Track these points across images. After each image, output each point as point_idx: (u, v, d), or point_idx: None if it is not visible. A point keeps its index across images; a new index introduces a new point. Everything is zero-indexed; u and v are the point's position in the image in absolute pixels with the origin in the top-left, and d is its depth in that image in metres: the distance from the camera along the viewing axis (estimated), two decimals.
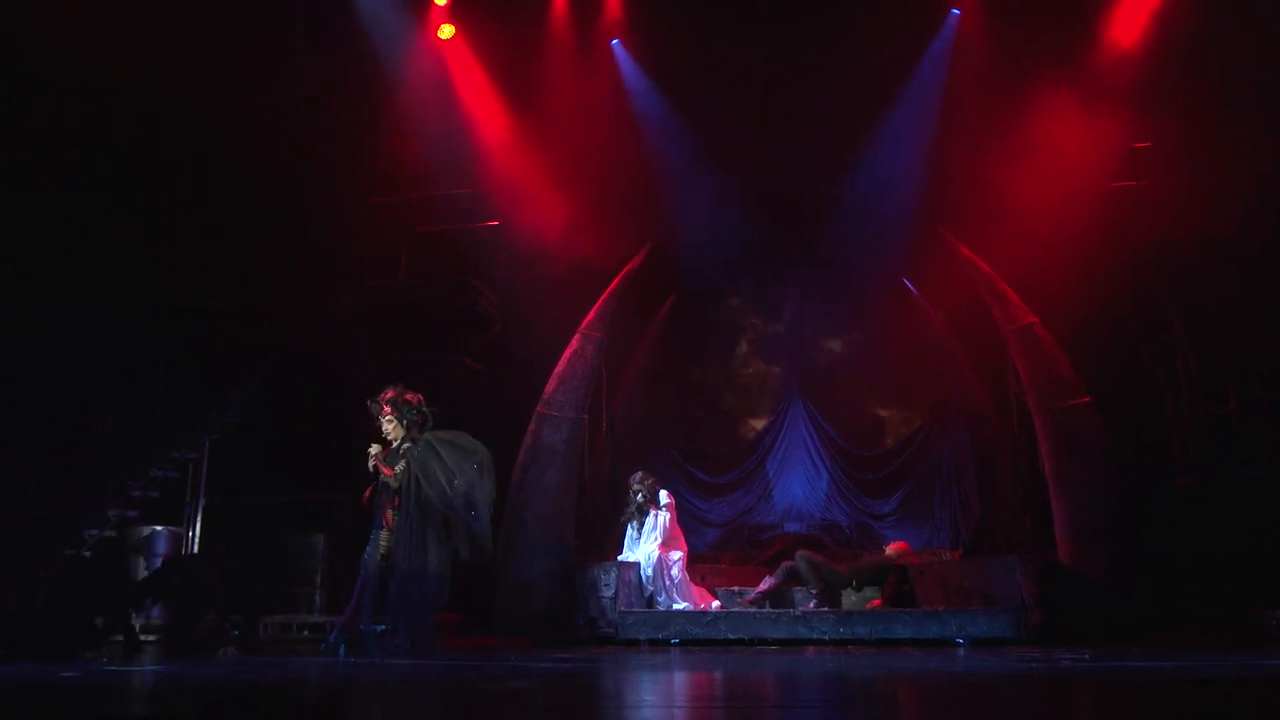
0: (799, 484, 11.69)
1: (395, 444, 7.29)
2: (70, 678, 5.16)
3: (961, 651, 7.08)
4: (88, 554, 9.18)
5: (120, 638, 8.29)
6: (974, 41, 10.83)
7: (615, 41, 11.89)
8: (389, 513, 7.09)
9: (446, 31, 11.68)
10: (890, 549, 9.41)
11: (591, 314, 10.42)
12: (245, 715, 3.87)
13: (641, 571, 8.87)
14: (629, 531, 9.17)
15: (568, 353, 10.26)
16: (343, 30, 10.92)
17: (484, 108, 11.73)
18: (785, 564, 9.11)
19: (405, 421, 7.32)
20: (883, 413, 11.97)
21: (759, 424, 12.24)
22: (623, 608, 8.36)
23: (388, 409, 7.33)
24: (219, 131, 10.04)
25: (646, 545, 8.96)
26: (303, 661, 6.21)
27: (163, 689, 4.77)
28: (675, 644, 7.97)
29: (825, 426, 11.86)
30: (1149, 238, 9.66)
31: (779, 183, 11.36)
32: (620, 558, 9.02)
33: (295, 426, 10.38)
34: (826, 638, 7.88)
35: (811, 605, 8.66)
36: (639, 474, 9.33)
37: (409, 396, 7.41)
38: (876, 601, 8.76)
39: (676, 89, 11.54)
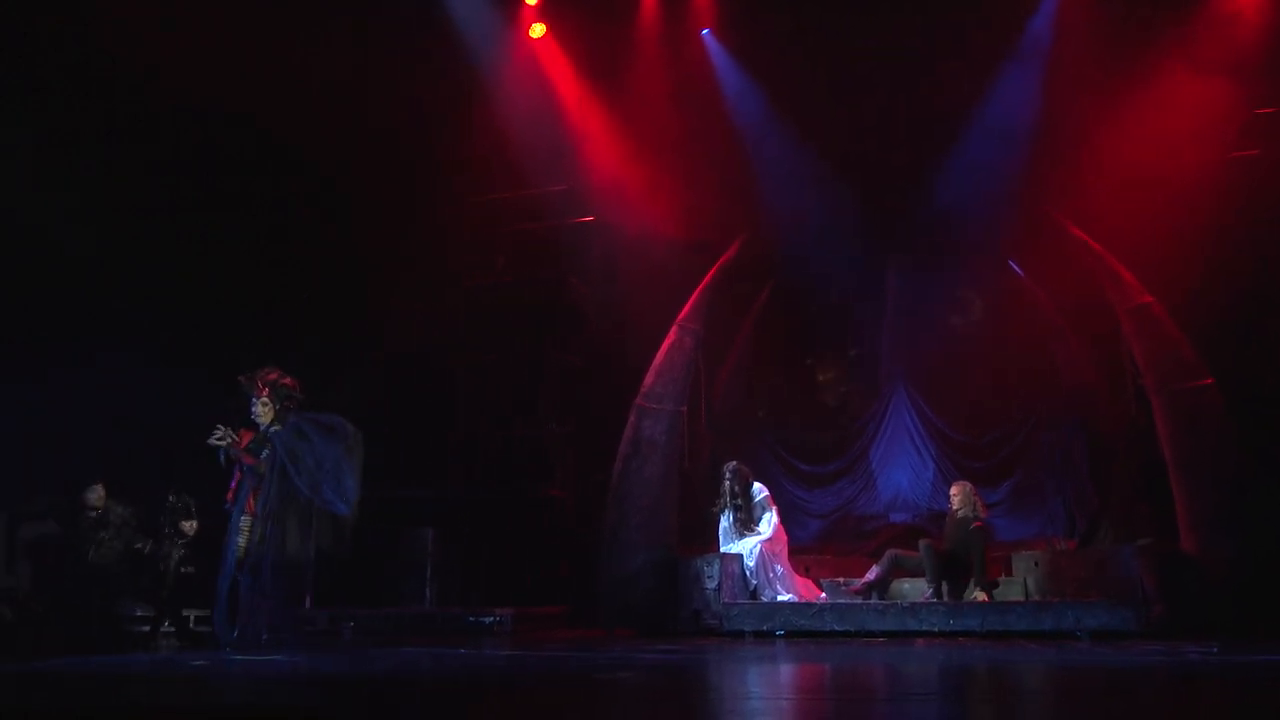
0: (904, 473, 11.41)
1: (263, 428, 6.97)
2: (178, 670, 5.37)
3: (1084, 644, 6.84)
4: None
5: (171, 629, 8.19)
6: (1081, 8, 10.37)
7: (706, 31, 11.80)
8: (253, 498, 6.82)
9: (538, 30, 11.77)
10: (953, 489, 9.05)
11: (688, 306, 10.39)
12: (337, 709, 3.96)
13: (745, 564, 8.82)
14: (722, 522, 9.10)
15: (665, 345, 10.26)
16: (437, 35, 11.09)
17: (576, 104, 11.79)
18: (891, 551, 8.88)
19: (279, 406, 7.02)
20: (990, 398, 11.54)
21: (861, 412, 11.99)
22: (727, 599, 8.32)
23: (265, 390, 7.02)
24: (325, 138, 10.29)
25: (751, 539, 8.89)
26: (412, 654, 6.35)
27: (276, 680, 4.92)
28: (780, 635, 7.91)
29: (929, 413, 11.54)
30: (1272, 210, 9.15)
31: (877, 166, 11.10)
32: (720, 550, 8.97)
33: (399, 423, 10.62)
34: (936, 630, 7.70)
35: (929, 594, 8.45)
36: (732, 464, 9.24)
37: (287, 380, 7.12)
38: (984, 597, 8.39)
39: (769, 74, 11.36)
